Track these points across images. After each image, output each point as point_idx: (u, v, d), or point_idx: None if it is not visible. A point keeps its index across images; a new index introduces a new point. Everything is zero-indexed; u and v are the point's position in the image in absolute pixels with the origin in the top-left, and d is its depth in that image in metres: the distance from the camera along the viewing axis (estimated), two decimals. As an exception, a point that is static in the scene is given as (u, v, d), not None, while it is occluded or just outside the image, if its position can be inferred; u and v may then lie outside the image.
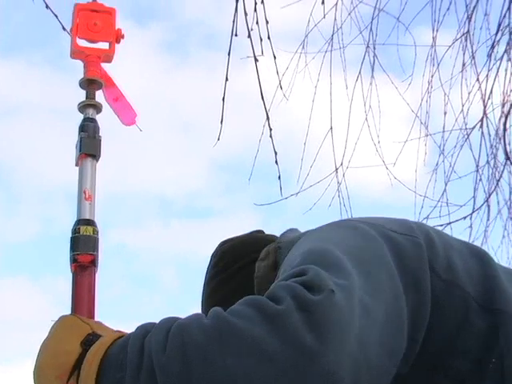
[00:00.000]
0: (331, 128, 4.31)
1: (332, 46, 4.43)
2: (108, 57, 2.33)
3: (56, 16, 2.45)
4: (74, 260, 1.95)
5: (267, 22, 2.84)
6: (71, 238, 1.97)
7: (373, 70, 4.55)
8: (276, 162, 2.80)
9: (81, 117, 2.22)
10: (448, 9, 4.47)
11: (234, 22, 2.65)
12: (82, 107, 2.21)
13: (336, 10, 4.47)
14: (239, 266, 1.87)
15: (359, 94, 4.47)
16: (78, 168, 2.15)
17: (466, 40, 4.65)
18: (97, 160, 2.14)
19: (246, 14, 2.71)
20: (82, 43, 2.33)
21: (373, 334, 1.25)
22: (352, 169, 4.43)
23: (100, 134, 2.17)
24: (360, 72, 4.50)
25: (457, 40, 4.61)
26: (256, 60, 2.69)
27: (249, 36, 2.72)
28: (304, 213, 4.28)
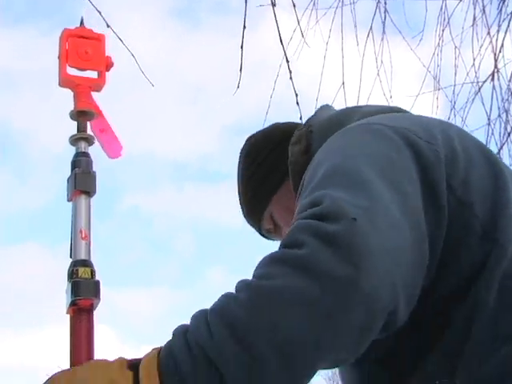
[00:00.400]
0: (343, 83, 4.30)
1: (343, 2, 4.43)
2: (98, 86, 2.27)
3: None
4: (73, 304, 1.90)
5: None
6: (70, 282, 1.92)
7: (384, 26, 4.56)
8: (297, 103, 2.75)
9: (72, 150, 2.17)
10: None
11: None
12: (74, 140, 2.16)
13: None
14: (270, 148, 1.84)
15: (371, 49, 4.48)
16: (71, 203, 2.10)
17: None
18: (91, 196, 2.09)
19: None
20: (72, 72, 2.26)
21: (403, 251, 1.25)
22: None
23: (94, 169, 2.12)
24: (371, 27, 4.51)
25: None
26: (273, 5, 2.66)
27: None
28: None
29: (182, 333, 1.22)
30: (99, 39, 2.32)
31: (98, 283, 1.93)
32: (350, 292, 1.12)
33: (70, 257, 2.02)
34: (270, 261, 1.21)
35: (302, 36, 3.16)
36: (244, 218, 1.90)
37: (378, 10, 4.53)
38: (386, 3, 4.48)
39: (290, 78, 2.55)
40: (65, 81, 2.25)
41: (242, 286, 1.20)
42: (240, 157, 1.98)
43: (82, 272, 1.94)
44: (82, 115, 2.19)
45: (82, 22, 2.35)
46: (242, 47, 2.48)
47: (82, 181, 2.07)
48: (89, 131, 2.20)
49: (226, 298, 1.20)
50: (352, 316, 1.12)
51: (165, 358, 1.21)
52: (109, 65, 2.29)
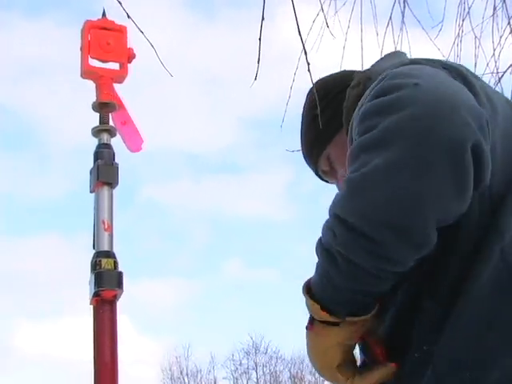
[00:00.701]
0: None
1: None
2: (120, 78, 2.27)
3: None
4: (96, 295, 1.93)
5: None
6: (94, 273, 1.94)
7: (403, 17, 4.55)
8: (309, 70, 2.71)
9: (95, 141, 2.18)
10: None
11: None
12: (96, 132, 2.17)
13: None
14: (336, 92, 1.85)
15: (390, 41, 4.47)
16: (93, 195, 2.12)
17: (496, -17, 4.67)
18: (113, 187, 2.11)
19: None
20: (94, 63, 2.27)
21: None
22: None
23: (116, 161, 2.14)
24: (390, 18, 4.48)
25: None
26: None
27: None
28: None
29: (319, 243, 1.29)
30: (121, 31, 2.31)
31: (120, 274, 1.95)
32: (435, 137, 1.17)
33: (93, 247, 2.05)
34: (357, 151, 1.25)
35: (327, 24, 3.14)
36: (303, 157, 1.92)
37: (397, 0, 4.50)
38: (405, -5, 4.46)
39: (308, 70, 2.52)
40: (87, 72, 2.25)
41: (345, 182, 1.24)
42: (307, 97, 1.99)
43: (105, 263, 1.96)
44: (104, 107, 2.20)
45: (104, 14, 2.35)
46: (260, 39, 2.46)
47: (104, 172, 2.09)
48: (111, 123, 2.21)
49: (334, 200, 1.27)
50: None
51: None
52: (131, 56, 2.29)
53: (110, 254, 2.00)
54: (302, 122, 1.93)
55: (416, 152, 1.18)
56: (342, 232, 1.22)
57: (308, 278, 1.34)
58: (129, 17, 2.73)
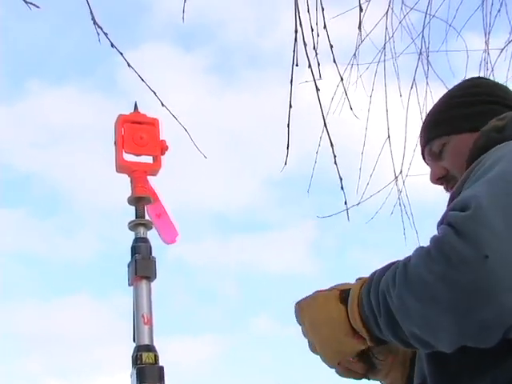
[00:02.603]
0: (388, 137, 4.32)
1: (385, 55, 4.46)
2: (154, 171, 2.34)
3: (106, 34, 2.43)
4: (139, 390, 1.97)
5: (331, 46, 2.85)
6: (135, 368, 1.99)
7: (427, 77, 4.58)
8: (338, 171, 2.77)
9: (132, 235, 2.24)
10: (499, 10, 4.48)
11: (294, 52, 2.66)
12: (133, 226, 2.23)
13: (387, 18, 4.51)
14: (489, 100, 1.81)
15: (414, 101, 4.50)
16: (131, 288, 2.18)
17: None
18: (151, 281, 2.16)
19: (305, 44, 2.73)
20: (128, 157, 2.34)
21: None
22: (412, 176, 4.41)
23: (153, 255, 2.19)
24: (414, 79, 4.52)
25: (510, 42, 4.63)
26: (317, 89, 2.71)
27: (309, 66, 2.74)
28: (366, 222, 4.27)
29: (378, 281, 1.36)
30: (153, 124, 2.39)
31: (161, 369, 1.99)
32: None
33: (133, 341, 2.10)
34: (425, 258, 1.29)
35: (346, 95, 3.20)
36: (420, 131, 1.92)
37: (420, 61, 4.55)
38: (428, 55, 4.51)
39: (333, 153, 2.59)
40: (121, 167, 2.32)
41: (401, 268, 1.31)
42: (459, 85, 1.98)
43: (146, 357, 2.01)
44: (139, 201, 2.27)
45: (135, 107, 2.43)
46: (288, 126, 2.54)
47: (142, 267, 2.14)
48: (146, 216, 2.27)
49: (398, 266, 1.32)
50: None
51: (363, 300, 1.38)
52: (164, 149, 2.36)
53: (150, 348, 2.04)
54: (441, 101, 1.91)
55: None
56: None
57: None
58: (163, 105, 2.82)
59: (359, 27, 3.67)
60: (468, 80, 2.00)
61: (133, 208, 2.29)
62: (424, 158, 1.88)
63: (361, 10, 3.36)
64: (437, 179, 1.82)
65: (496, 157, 1.45)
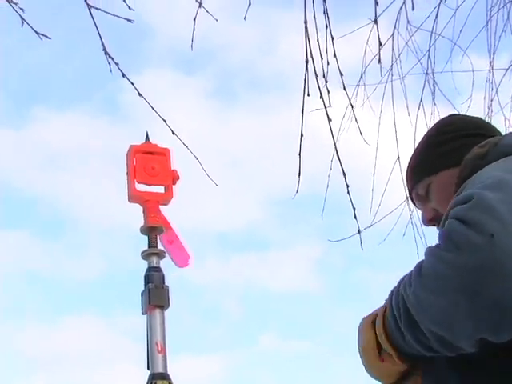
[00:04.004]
0: (398, 157, 4.33)
1: (392, 75, 4.49)
2: (166, 201, 2.39)
3: (114, 60, 2.46)
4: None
5: (341, 75, 2.89)
6: (151, 397, 2.04)
7: (434, 97, 4.61)
8: (348, 192, 2.80)
9: (145, 264, 2.30)
10: (504, 31, 4.51)
11: (305, 81, 2.69)
12: (146, 256, 2.28)
13: (393, 39, 4.55)
14: (465, 134, 1.88)
15: (422, 121, 4.53)
16: (145, 316, 2.23)
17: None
18: (165, 309, 2.21)
19: (316, 75, 2.77)
20: (141, 187, 2.39)
21: None
22: None
23: (166, 284, 2.24)
24: (421, 99, 4.54)
25: None
26: (329, 120, 2.75)
27: (321, 97, 2.78)
28: (378, 244, 4.29)
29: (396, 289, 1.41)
30: (164, 154, 2.44)
31: (176, 397, 2.04)
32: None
33: (148, 368, 2.15)
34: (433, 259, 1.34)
35: (356, 121, 3.24)
36: (406, 173, 1.98)
37: (426, 81, 4.60)
38: (434, 75, 4.56)
39: (346, 182, 2.63)
40: (134, 197, 2.37)
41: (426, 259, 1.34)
42: (435, 125, 2.04)
43: (161, 385, 2.06)
44: (152, 231, 2.32)
45: (147, 137, 2.49)
46: (299, 154, 2.58)
47: (155, 296, 2.19)
48: (159, 245, 2.32)
49: (408, 277, 1.37)
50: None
51: (388, 311, 1.42)
52: (175, 178, 2.41)
53: (164, 376, 2.09)
54: (420, 142, 1.98)
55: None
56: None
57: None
58: (173, 133, 2.87)
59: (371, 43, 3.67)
60: (442, 119, 2.07)
61: (145, 237, 2.34)
62: (414, 203, 1.95)
63: (375, 23, 3.37)
64: (429, 221, 1.86)
65: (479, 175, 1.52)
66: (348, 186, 2.59)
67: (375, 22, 2.75)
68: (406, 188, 1.97)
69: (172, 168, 2.44)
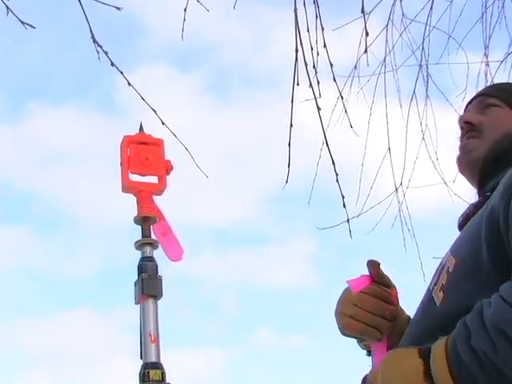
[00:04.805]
0: (389, 149, 4.33)
1: (385, 67, 4.48)
2: (159, 191, 2.39)
3: (105, 52, 2.47)
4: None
5: (331, 65, 2.89)
6: (143, 386, 2.04)
7: (427, 89, 4.59)
8: (340, 189, 2.80)
9: (138, 254, 2.30)
10: (498, 23, 4.49)
11: (294, 71, 2.71)
12: (139, 246, 2.29)
13: (387, 31, 4.54)
14: None
15: (414, 113, 4.51)
16: (138, 306, 2.23)
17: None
18: (158, 299, 2.21)
19: (306, 63, 2.78)
20: (134, 178, 2.39)
21: None
22: (412, 188, 4.41)
23: (160, 274, 2.25)
24: (414, 91, 4.53)
25: (509, 54, 4.63)
26: (319, 109, 2.75)
27: (310, 85, 2.78)
28: (366, 234, 4.28)
29: (465, 338, 1.34)
30: (158, 144, 2.44)
31: (168, 387, 2.05)
32: None
33: (141, 358, 2.15)
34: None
35: (346, 113, 3.24)
36: (491, 85, 1.92)
37: (420, 73, 4.59)
38: (427, 67, 4.55)
39: (335, 171, 2.63)
40: (128, 187, 2.37)
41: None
42: None
43: (153, 374, 2.06)
44: (145, 221, 2.32)
45: (141, 128, 2.48)
46: (289, 144, 2.59)
47: (149, 285, 2.20)
48: (153, 235, 2.32)
49: (500, 309, 1.33)
50: None
51: (454, 359, 1.34)
52: (169, 168, 2.41)
53: (157, 366, 2.10)
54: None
55: None
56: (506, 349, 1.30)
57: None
58: (163, 123, 2.87)
59: (365, 35, 3.67)
60: None
61: (139, 227, 2.34)
62: (468, 104, 1.89)
63: (363, 12, 3.36)
64: (465, 122, 1.81)
65: None
66: (337, 175, 2.59)
67: (362, 12, 2.74)
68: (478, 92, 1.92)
69: (166, 158, 2.44)
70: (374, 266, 1.70)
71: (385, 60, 4.35)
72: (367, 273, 1.70)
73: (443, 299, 1.52)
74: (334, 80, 2.85)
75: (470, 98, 1.93)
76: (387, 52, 4.41)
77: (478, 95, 1.89)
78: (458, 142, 1.84)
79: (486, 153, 1.70)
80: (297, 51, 2.76)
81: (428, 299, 1.58)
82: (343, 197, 2.73)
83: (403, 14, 4.49)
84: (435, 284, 1.57)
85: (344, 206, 2.78)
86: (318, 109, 2.58)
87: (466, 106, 1.91)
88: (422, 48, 4.48)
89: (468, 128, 1.79)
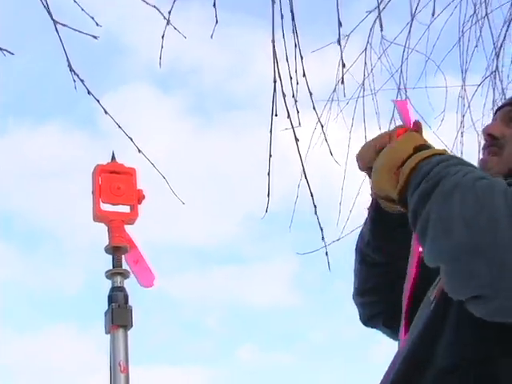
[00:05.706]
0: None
1: (364, 90, 4.51)
2: (131, 220, 2.40)
3: (82, 81, 2.47)
4: None
5: (311, 94, 2.89)
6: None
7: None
8: (318, 221, 2.80)
9: (108, 283, 2.31)
10: (476, 46, 4.53)
11: (273, 101, 2.70)
12: (110, 275, 2.29)
13: (365, 54, 4.57)
14: None
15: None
16: (108, 336, 2.24)
17: (494, 78, 4.71)
18: (128, 329, 2.22)
19: (284, 95, 2.79)
20: (106, 207, 2.40)
21: None
22: None
23: (130, 304, 2.25)
24: (393, 115, 4.57)
25: (486, 78, 4.66)
26: (297, 140, 2.76)
27: (288, 117, 2.79)
28: (346, 258, 4.32)
29: (449, 165, 1.32)
30: (130, 173, 2.45)
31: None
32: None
33: (110, 388, 2.16)
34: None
35: (326, 141, 3.24)
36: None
37: (399, 96, 4.63)
38: (406, 91, 4.59)
39: (313, 203, 2.64)
40: (99, 216, 2.38)
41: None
42: None
43: (122, 406, 2.07)
44: (116, 250, 2.33)
45: (113, 157, 2.49)
46: (268, 174, 2.59)
47: (118, 316, 2.20)
48: (124, 265, 2.33)
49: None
50: None
51: (424, 166, 1.34)
52: (140, 198, 2.42)
53: (126, 396, 2.10)
54: None
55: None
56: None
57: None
58: (139, 151, 2.88)
59: (342, 63, 3.71)
60: None
61: (110, 256, 2.35)
62: (497, 110, 1.81)
63: (339, 44, 3.39)
64: (488, 134, 1.69)
65: None
66: (316, 207, 2.60)
67: (338, 42, 2.77)
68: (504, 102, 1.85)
69: (138, 187, 2.45)
70: (419, 127, 1.61)
71: (363, 84, 4.38)
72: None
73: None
74: (314, 109, 2.86)
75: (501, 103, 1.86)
76: (366, 75, 4.45)
77: (507, 104, 1.76)
78: (481, 154, 1.78)
79: (504, 174, 1.64)
80: (275, 82, 2.77)
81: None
82: (322, 229, 2.74)
83: (382, 37, 4.53)
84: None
85: (323, 238, 2.79)
86: (297, 140, 2.59)
87: (495, 113, 1.78)
88: (401, 71, 4.51)
89: (490, 142, 1.68)
